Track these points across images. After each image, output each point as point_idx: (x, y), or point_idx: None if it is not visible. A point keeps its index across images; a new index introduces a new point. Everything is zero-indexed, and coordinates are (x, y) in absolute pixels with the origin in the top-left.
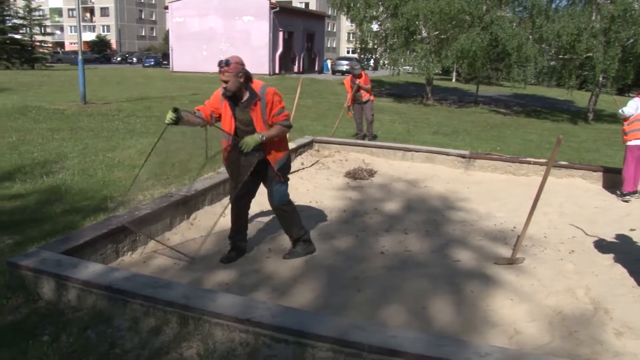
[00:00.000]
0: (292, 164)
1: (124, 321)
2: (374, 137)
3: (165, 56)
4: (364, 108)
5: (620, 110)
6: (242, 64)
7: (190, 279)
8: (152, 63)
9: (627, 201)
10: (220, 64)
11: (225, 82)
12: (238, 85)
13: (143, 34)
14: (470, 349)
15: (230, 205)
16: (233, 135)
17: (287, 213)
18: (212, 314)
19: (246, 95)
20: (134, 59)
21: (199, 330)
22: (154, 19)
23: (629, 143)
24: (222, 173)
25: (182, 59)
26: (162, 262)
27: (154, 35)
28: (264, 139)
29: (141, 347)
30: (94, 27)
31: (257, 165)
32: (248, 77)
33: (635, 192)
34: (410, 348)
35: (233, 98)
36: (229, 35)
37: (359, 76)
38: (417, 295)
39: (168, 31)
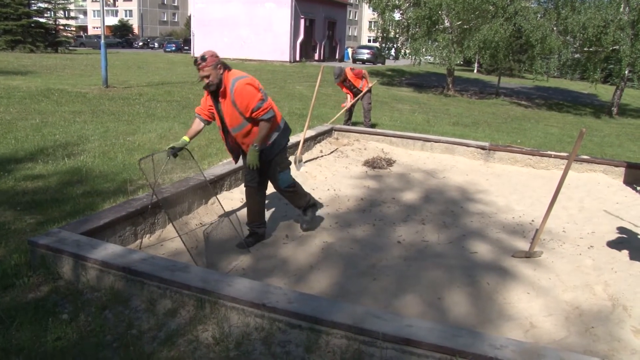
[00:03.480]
0: (311, 152)
1: (141, 302)
2: (372, 126)
3: (187, 42)
4: (362, 98)
5: None
6: (217, 56)
7: (207, 263)
8: (174, 48)
9: None
10: (196, 61)
11: (207, 77)
12: (220, 77)
13: (165, 19)
14: (486, 341)
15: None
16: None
17: (293, 193)
18: (228, 298)
19: (222, 87)
20: (156, 44)
21: (214, 314)
22: (176, 4)
23: None
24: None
25: (204, 45)
26: (179, 246)
27: (176, 20)
28: (258, 148)
29: (157, 328)
30: (116, 11)
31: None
32: (226, 68)
33: None
34: (425, 338)
35: (216, 92)
36: (250, 21)
37: (345, 80)
38: (433, 286)
39: (190, 17)
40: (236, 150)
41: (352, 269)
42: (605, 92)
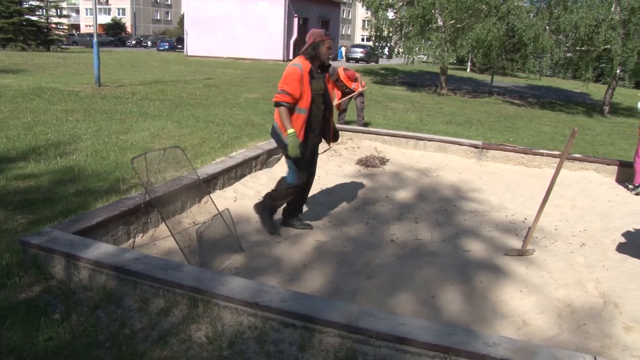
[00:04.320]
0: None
1: (134, 302)
2: (366, 125)
3: (180, 40)
4: (355, 98)
5: (638, 103)
6: None
7: (200, 262)
8: (167, 47)
9: (638, 194)
10: (327, 32)
11: (331, 48)
12: None
13: (158, 17)
14: (479, 339)
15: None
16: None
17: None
18: (222, 297)
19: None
20: (149, 43)
21: (207, 313)
22: (169, 2)
23: None
24: (234, 157)
25: (197, 43)
26: (172, 245)
27: (169, 19)
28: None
29: (150, 327)
30: (109, 10)
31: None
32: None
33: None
34: (419, 336)
35: (322, 68)
36: (244, 20)
37: (337, 80)
38: (427, 284)
39: (183, 15)
40: (325, 133)
41: (345, 267)
42: (597, 90)
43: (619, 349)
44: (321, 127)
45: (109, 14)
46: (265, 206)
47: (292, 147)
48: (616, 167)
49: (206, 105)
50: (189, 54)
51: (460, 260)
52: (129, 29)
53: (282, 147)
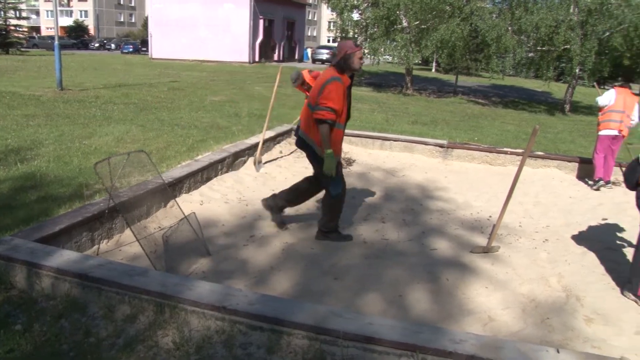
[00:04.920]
0: (271, 153)
1: (99, 309)
2: None
3: (144, 43)
4: None
5: (596, 99)
6: None
7: (167, 267)
8: (131, 49)
9: (598, 189)
10: (358, 43)
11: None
12: None
13: (122, 20)
14: (446, 336)
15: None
16: None
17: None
18: (188, 301)
19: None
20: (112, 45)
21: (174, 318)
22: (133, 5)
23: (599, 133)
24: (200, 161)
25: (162, 46)
26: (138, 250)
27: (133, 21)
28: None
29: (116, 335)
30: (71, 12)
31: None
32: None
33: (605, 181)
34: (387, 335)
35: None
36: (208, 22)
37: (303, 84)
38: (395, 284)
39: (147, 17)
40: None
41: (313, 269)
42: (558, 89)
43: (580, 340)
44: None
45: (71, 16)
46: (330, 230)
47: (330, 167)
48: (577, 163)
49: (171, 108)
50: (153, 56)
51: (427, 259)
52: (92, 32)
53: (317, 162)
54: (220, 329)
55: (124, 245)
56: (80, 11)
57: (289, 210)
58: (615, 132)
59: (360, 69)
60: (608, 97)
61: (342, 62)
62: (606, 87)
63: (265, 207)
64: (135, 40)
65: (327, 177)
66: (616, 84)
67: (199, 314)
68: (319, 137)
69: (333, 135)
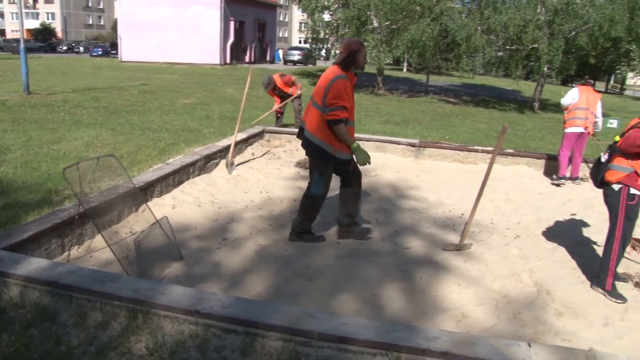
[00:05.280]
0: (243, 155)
1: (70, 317)
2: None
3: (114, 45)
4: (292, 100)
5: (562, 100)
6: None
7: (139, 272)
8: (100, 52)
9: (559, 185)
10: (362, 42)
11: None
12: None
13: (90, 22)
14: (419, 334)
15: None
16: None
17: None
18: (161, 306)
19: None
20: (81, 48)
21: (147, 324)
22: (101, 7)
23: (565, 130)
24: (171, 164)
25: (131, 49)
26: (110, 256)
27: (102, 23)
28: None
29: (88, 343)
30: (37, 14)
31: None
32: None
33: (573, 177)
34: (360, 335)
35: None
36: (179, 24)
37: (274, 88)
38: (368, 283)
39: (116, 20)
40: None
41: (287, 270)
42: (527, 88)
43: (551, 334)
44: None
45: (37, 18)
46: (303, 231)
47: (364, 158)
48: (546, 160)
49: (142, 111)
50: (123, 59)
51: (400, 258)
52: (59, 34)
53: (323, 162)
54: (194, 333)
55: (95, 251)
56: (47, 13)
57: (261, 212)
58: (581, 130)
59: (363, 67)
60: (571, 96)
61: (348, 60)
62: (572, 85)
63: (349, 235)
64: (104, 43)
65: (318, 173)
66: (579, 82)
67: (172, 318)
68: (326, 134)
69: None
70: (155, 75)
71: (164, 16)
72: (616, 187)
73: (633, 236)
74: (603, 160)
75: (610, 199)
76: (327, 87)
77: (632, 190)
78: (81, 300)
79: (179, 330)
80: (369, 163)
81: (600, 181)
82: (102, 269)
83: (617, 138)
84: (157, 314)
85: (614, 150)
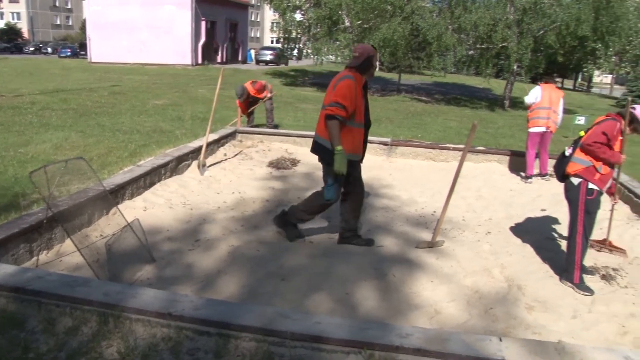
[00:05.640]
0: (215, 155)
1: (39, 323)
2: (276, 126)
3: (83, 46)
4: (264, 102)
5: (526, 98)
6: None
7: (110, 275)
8: (69, 53)
9: (529, 183)
10: (374, 47)
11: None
12: None
13: (58, 22)
14: (393, 332)
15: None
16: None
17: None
18: (133, 310)
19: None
20: (49, 49)
21: (119, 328)
22: (69, 7)
23: (529, 130)
24: (142, 166)
25: (101, 50)
26: (80, 260)
27: (70, 24)
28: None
29: (57, 349)
30: (1, 14)
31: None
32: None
33: (542, 174)
34: (334, 334)
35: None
36: (149, 24)
37: (247, 97)
38: (342, 282)
39: (85, 20)
40: (363, 151)
41: (261, 271)
42: (498, 86)
43: (522, 328)
44: (362, 146)
45: (2, 18)
46: (294, 217)
47: (341, 165)
48: (517, 157)
49: (112, 113)
50: (93, 60)
51: (373, 256)
52: (26, 35)
53: (327, 162)
54: (167, 336)
55: (65, 255)
56: (12, 13)
57: (233, 213)
58: (542, 129)
59: (374, 73)
60: (534, 95)
61: (366, 64)
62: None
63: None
64: (73, 43)
65: (332, 178)
66: (541, 81)
67: (144, 321)
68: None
69: (351, 134)
70: (126, 76)
71: (134, 16)
72: (575, 181)
73: (593, 238)
74: (567, 154)
75: (570, 194)
76: (334, 86)
77: (591, 185)
78: (50, 306)
79: (151, 333)
80: (344, 174)
81: (562, 174)
82: (72, 273)
83: (582, 133)
84: (129, 317)
85: (577, 145)
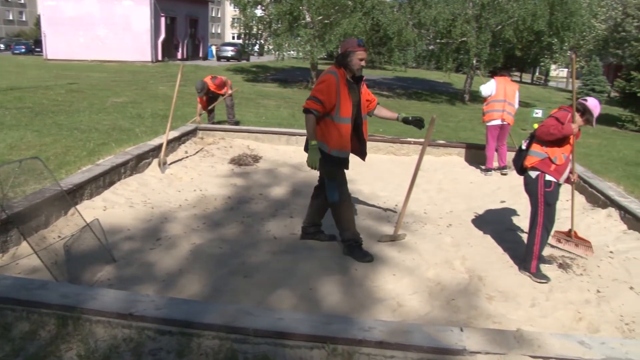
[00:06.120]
0: (176, 153)
1: None
2: (237, 123)
3: (38, 43)
4: (225, 98)
5: (480, 87)
6: None
7: (69, 277)
8: (23, 50)
9: (489, 175)
10: (362, 43)
11: (365, 60)
12: None
13: (11, 17)
14: (355, 325)
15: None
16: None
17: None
18: (93, 311)
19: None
20: (2, 46)
21: (79, 330)
22: (22, 1)
23: (487, 123)
24: (101, 165)
25: (57, 46)
26: (38, 263)
27: (24, 19)
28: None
29: (14, 355)
30: None
31: None
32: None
33: (501, 166)
34: (297, 329)
35: (354, 79)
36: (107, 20)
37: (207, 92)
38: (305, 278)
39: (39, 16)
40: (360, 148)
41: (222, 268)
42: (458, 80)
43: (483, 317)
44: (357, 142)
45: None
46: (349, 240)
47: (311, 159)
48: (476, 150)
49: (70, 111)
50: (49, 57)
51: (336, 251)
52: None
53: (325, 164)
54: (128, 336)
55: (22, 258)
56: None
57: (195, 211)
58: (499, 122)
59: (359, 70)
60: (490, 88)
61: (340, 58)
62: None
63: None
64: (27, 40)
65: (327, 179)
66: (496, 74)
67: (105, 323)
68: (320, 133)
69: (336, 129)
70: (84, 73)
71: (90, 12)
72: (533, 174)
73: (557, 229)
74: (524, 147)
75: (529, 187)
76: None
77: (548, 177)
78: (5, 311)
79: (112, 334)
80: (316, 168)
81: (520, 167)
82: (29, 276)
83: (536, 126)
84: (89, 319)
85: (533, 138)
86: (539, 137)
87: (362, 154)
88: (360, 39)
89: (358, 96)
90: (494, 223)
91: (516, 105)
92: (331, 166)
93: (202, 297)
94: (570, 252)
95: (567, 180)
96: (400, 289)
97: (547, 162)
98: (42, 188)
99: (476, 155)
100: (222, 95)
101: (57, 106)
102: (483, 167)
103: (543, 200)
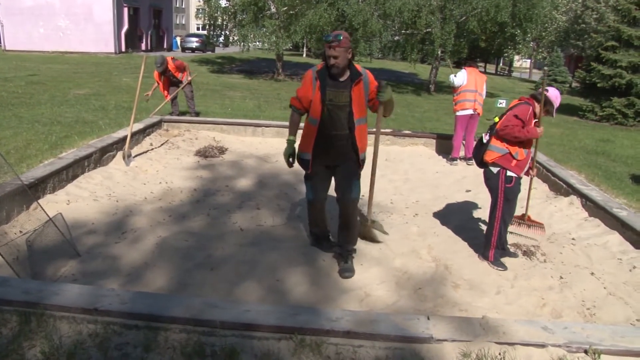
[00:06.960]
0: (141, 145)
1: None
2: (197, 114)
3: None
4: (184, 88)
5: (450, 77)
6: (350, 40)
7: (32, 273)
8: None
9: (455, 165)
10: (329, 38)
11: (335, 57)
12: (346, 62)
13: None
14: (322, 316)
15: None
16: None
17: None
18: (56, 307)
19: (346, 75)
20: None
21: (42, 327)
22: None
23: (457, 113)
24: (64, 158)
25: (16, 37)
26: None
27: None
28: None
29: None
30: None
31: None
32: (353, 55)
33: (467, 157)
34: (264, 321)
35: (331, 77)
36: (68, 10)
37: (165, 71)
38: (272, 269)
39: None
40: (333, 153)
41: (189, 261)
42: (423, 71)
43: (449, 305)
44: (340, 148)
45: None
46: (311, 233)
47: (284, 154)
48: (441, 140)
49: (30, 104)
50: (7, 48)
51: (303, 243)
52: None
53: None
54: (93, 332)
55: None
56: None
57: (161, 203)
58: (470, 112)
59: (332, 66)
60: (461, 78)
61: (323, 53)
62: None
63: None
64: None
65: (304, 178)
66: (465, 65)
67: (69, 319)
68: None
69: (305, 129)
70: (44, 65)
71: (50, 1)
72: (494, 170)
73: (516, 214)
74: (485, 140)
75: (490, 182)
76: None
77: (509, 173)
78: None
79: (77, 330)
80: (289, 166)
81: (480, 161)
82: None
83: (497, 119)
84: (52, 315)
85: (494, 131)
86: (503, 136)
87: (333, 164)
88: (328, 35)
89: (345, 97)
90: (460, 212)
91: (484, 96)
92: (300, 165)
93: (168, 291)
94: (523, 235)
95: (527, 173)
96: (368, 279)
97: (508, 158)
98: (2, 182)
99: (442, 145)
100: (181, 82)
101: (17, 98)
102: (449, 156)
103: (503, 197)
